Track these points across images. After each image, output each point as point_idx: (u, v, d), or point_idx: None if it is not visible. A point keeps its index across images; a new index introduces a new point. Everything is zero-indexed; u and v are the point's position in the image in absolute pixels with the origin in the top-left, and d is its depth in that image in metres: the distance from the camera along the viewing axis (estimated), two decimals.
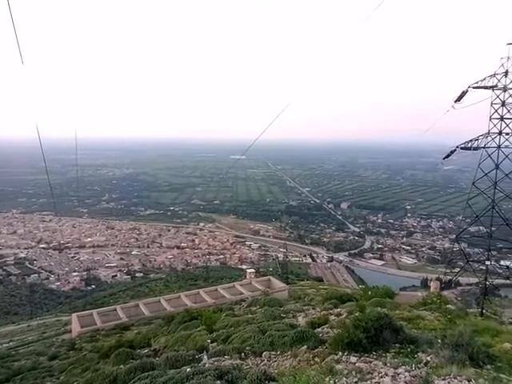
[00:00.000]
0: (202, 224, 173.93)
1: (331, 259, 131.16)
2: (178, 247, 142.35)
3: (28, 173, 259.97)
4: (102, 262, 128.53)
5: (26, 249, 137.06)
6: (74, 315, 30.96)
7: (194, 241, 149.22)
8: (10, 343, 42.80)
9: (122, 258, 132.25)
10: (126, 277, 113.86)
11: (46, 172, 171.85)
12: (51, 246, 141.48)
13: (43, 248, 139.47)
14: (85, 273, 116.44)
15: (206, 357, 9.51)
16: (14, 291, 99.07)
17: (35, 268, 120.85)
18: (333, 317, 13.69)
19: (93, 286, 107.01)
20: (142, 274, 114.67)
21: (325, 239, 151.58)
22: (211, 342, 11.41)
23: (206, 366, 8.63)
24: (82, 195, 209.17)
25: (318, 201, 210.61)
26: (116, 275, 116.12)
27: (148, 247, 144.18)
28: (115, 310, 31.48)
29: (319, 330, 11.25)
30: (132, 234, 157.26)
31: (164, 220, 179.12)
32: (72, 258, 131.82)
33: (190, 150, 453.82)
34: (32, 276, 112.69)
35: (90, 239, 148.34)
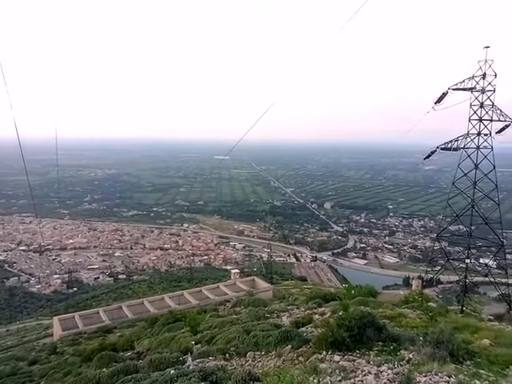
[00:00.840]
0: (185, 225, 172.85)
1: (315, 259, 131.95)
2: (162, 248, 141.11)
3: (7, 173, 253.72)
4: (83, 264, 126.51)
5: (5, 251, 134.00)
6: (56, 318, 30.41)
7: (177, 242, 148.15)
8: None
9: (104, 260, 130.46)
10: (108, 279, 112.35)
11: (26, 172, 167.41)
12: (31, 248, 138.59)
13: (23, 250, 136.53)
14: (66, 275, 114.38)
15: (190, 358, 9.47)
16: None
17: (15, 271, 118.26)
18: (317, 316, 13.79)
19: (75, 289, 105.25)
20: (124, 276, 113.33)
21: (308, 239, 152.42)
22: (195, 344, 11.37)
23: (190, 367, 8.59)
24: (63, 196, 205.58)
25: (301, 201, 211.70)
26: (98, 277, 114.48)
27: (131, 249, 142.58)
28: (98, 312, 31.02)
29: (303, 329, 11.32)
30: (115, 235, 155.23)
31: (147, 221, 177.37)
32: (53, 260, 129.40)
33: (174, 151, 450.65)
34: (11, 279, 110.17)
35: (71, 241, 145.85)
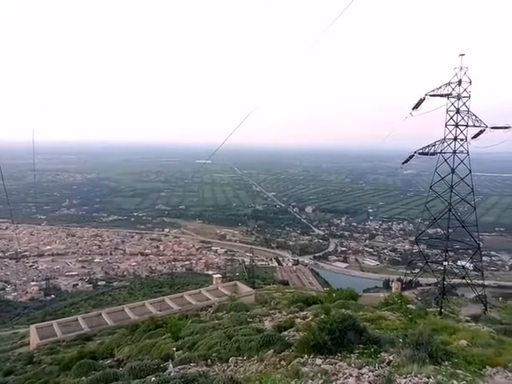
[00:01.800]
0: (166, 230, 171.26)
1: (297, 262, 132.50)
2: (142, 254, 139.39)
3: None
4: (62, 270, 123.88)
5: None
6: (33, 327, 29.63)
7: (158, 247, 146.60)
8: None
9: (83, 266, 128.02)
10: (87, 285, 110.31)
11: (1, 177, 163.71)
12: (7, 254, 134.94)
13: None
14: (44, 282, 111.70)
15: (171, 365, 9.37)
16: None
17: None
18: (299, 320, 13.85)
19: (52, 296, 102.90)
20: (104, 283, 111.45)
21: (290, 243, 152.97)
22: (177, 350, 11.26)
23: (172, 374, 8.50)
24: (40, 201, 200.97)
25: (283, 205, 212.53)
26: (77, 284, 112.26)
27: (111, 254, 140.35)
28: (76, 320, 30.37)
29: (285, 333, 11.34)
30: (94, 241, 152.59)
31: (127, 226, 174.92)
32: (30, 267, 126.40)
33: (155, 154, 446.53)
34: None
35: (49, 247, 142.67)
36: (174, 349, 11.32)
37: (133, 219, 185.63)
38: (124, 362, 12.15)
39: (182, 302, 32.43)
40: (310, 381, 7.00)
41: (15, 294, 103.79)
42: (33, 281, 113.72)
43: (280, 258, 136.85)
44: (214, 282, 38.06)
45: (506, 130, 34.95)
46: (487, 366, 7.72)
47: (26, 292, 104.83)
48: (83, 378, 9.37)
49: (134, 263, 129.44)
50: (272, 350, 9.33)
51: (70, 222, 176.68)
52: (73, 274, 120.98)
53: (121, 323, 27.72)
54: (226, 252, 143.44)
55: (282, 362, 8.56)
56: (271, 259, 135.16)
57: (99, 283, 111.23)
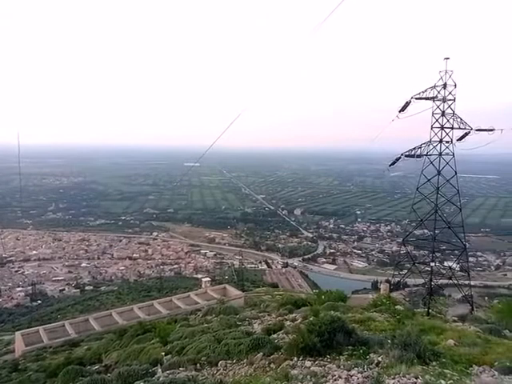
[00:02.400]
0: (155, 233, 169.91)
1: (286, 265, 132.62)
2: (131, 258, 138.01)
3: None
4: (48, 275, 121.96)
5: None
6: (18, 333, 29.13)
7: (146, 251, 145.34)
8: None
9: (70, 271, 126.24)
10: (74, 290, 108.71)
11: None
12: None
13: None
14: (30, 288, 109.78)
15: (160, 370, 9.30)
16: None
17: None
18: (288, 322, 13.86)
19: (39, 302, 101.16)
20: (92, 287, 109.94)
21: (279, 245, 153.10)
22: (165, 355, 11.17)
23: (160, 379, 8.44)
24: (26, 205, 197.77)
25: (272, 207, 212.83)
26: (64, 289, 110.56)
27: (98, 259, 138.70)
28: (63, 325, 29.97)
29: (275, 336, 11.34)
30: (81, 245, 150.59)
31: (115, 230, 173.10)
32: (16, 272, 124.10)
33: (143, 158, 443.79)
34: None
35: (35, 252, 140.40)
36: (163, 353, 11.24)
37: (120, 223, 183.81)
38: (112, 368, 12.01)
39: (170, 306, 32.24)
40: (300, 383, 7.01)
41: (0, 300, 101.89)
42: (18, 286, 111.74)
43: (269, 261, 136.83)
44: (203, 286, 37.93)
45: (490, 132, 35.60)
46: (474, 365, 7.83)
47: (12, 298, 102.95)
48: None
49: (122, 267, 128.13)
50: (261, 353, 9.32)
51: (56, 227, 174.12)
52: (59, 278, 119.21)
53: (109, 328, 27.42)
54: (215, 255, 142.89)
55: (272, 365, 8.55)
56: (260, 262, 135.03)
57: (86, 288, 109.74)
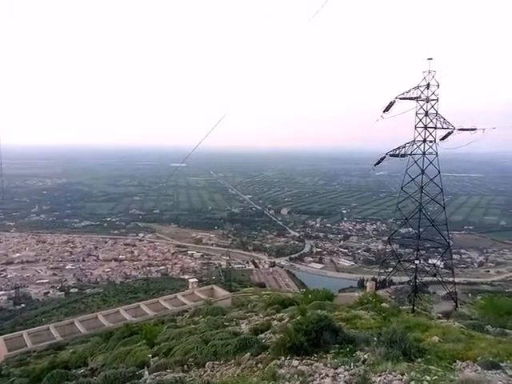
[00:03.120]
0: (141, 234, 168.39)
1: (273, 264, 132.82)
2: (116, 259, 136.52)
3: None
4: (32, 278, 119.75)
5: None
6: (1, 338, 28.58)
7: (133, 252, 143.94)
8: None
9: (54, 274, 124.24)
10: (59, 293, 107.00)
11: None
12: None
13: None
14: (13, 291, 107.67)
15: (146, 372, 9.23)
16: None
17: None
18: (275, 322, 13.89)
19: (22, 305, 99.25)
20: (77, 290, 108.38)
21: (266, 245, 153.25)
22: (152, 357, 11.10)
23: (147, 381, 8.39)
24: (8, 207, 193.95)
25: (259, 207, 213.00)
26: (48, 292, 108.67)
27: (83, 261, 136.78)
28: (48, 329, 29.54)
29: (262, 336, 11.36)
30: (65, 247, 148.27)
31: (100, 231, 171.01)
32: None
33: (128, 158, 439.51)
34: None
35: (18, 254, 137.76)
36: (150, 355, 11.16)
37: (106, 224, 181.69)
38: (98, 371, 11.87)
39: (157, 307, 32.03)
40: (287, 382, 7.04)
41: None
42: (1, 290, 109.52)
43: (256, 261, 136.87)
44: (190, 287, 37.78)
45: (472, 131, 36.26)
46: (458, 361, 7.97)
47: None
48: None
49: (108, 269, 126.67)
50: (249, 353, 9.32)
51: (40, 229, 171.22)
52: (44, 281, 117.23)
53: (94, 331, 27.13)
54: (202, 256, 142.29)
55: (259, 365, 8.57)
56: (248, 262, 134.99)
57: (71, 291, 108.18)
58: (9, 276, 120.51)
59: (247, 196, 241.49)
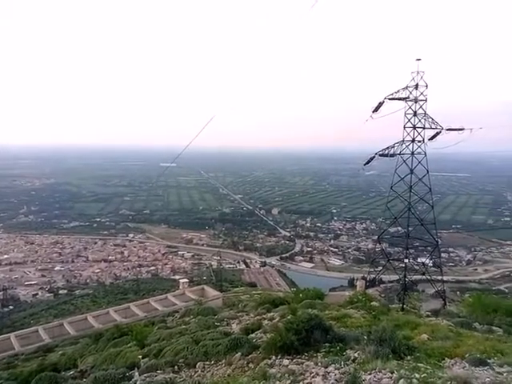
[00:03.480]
0: (131, 235, 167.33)
1: (264, 264, 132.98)
2: (106, 260, 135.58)
3: None
4: (20, 280, 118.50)
5: None
6: None
7: (122, 253, 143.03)
8: None
9: (43, 275, 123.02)
10: (48, 295, 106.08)
11: None
12: None
13: None
14: (1, 293, 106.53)
15: (137, 373, 9.18)
16: None
17: None
18: (266, 321, 13.92)
19: (10, 307, 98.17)
20: (66, 291, 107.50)
21: (257, 244, 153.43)
22: (143, 358, 11.04)
23: (138, 383, 8.35)
24: None
25: (250, 207, 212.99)
26: (37, 294, 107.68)
27: (72, 262, 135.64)
28: (37, 331, 29.20)
29: (253, 335, 11.38)
30: (54, 248, 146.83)
31: (90, 232, 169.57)
32: None
33: (117, 158, 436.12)
34: None
35: (6, 256, 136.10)
36: (140, 356, 11.10)
37: (95, 225, 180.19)
38: (88, 373, 11.77)
39: (147, 308, 31.86)
40: (278, 382, 7.06)
41: None
42: None
43: (247, 260, 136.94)
44: (180, 287, 37.61)
45: (460, 131, 36.71)
46: (446, 358, 8.07)
47: None
48: None
49: (98, 270, 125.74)
50: (240, 353, 9.33)
51: (28, 230, 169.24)
52: (32, 283, 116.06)
53: (84, 332, 26.90)
54: (192, 256, 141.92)
55: (250, 365, 8.58)
56: (239, 262, 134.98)
57: (60, 292, 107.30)
58: None
59: (238, 196, 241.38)
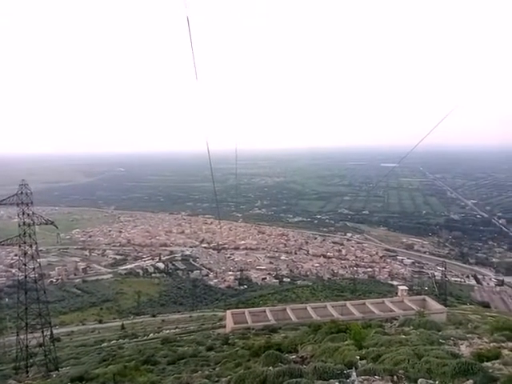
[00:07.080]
0: (349, 234, 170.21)
1: (501, 283, 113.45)
2: (325, 256, 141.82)
3: (193, 180, 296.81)
4: (253, 263, 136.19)
5: (191, 247, 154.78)
6: (229, 312, 33.45)
7: (340, 251, 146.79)
8: (176, 329, 48.83)
9: (271, 262, 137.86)
10: (274, 280, 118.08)
11: (213, 180, 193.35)
12: (211, 246, 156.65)
13: (205, 247, 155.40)
14: (238, 273, 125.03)
15: (354, 373, 9.09)
16: (180, 284, 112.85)
17: (197, 265, 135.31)
18: (506, 351, 11.70)
19: (245, 286, 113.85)
20: (289, 280, 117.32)
21: (493, 259, 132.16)
22: (360, 359, 10.89)
23: (355, 383, 8.27)
24: (238, 201, 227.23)
25: (485, 215, 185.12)
26: (265, 278, 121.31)
27: (295, 253, 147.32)
28: (264, 311, 32.93)
29: (488, 364, 9.72)
30: (280, 239, 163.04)
31: (311, 228, 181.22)
32: (228, 258, 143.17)
33: (339, 159, 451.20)
34: (195, 272, 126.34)
35: (243, 242, 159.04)
36: (358, 357, 10.98)
37: (316, 221, 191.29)
38: (307, 361, 12.43)
39: (363, 309, 31.70)
40: None
41: (216, 280, 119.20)
42: (230, 271, 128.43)
43: (479, 276, 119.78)
44: (399, 294, 35.97)
45: None
46: None
47: (224, 280, 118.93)
48: (271, 367, 9.93)
49: (317, 264, 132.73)
50: (471, 381, 8.09)
51: (260, 221, 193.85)
52: (262, 268, 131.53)
53: (303, 321, 28.79)
54: (413, 263, 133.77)
55: None
56: (468, 276, 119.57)
57: (284, 280, 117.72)
58: (236, 259, 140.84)
59: (471, 201, 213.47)
